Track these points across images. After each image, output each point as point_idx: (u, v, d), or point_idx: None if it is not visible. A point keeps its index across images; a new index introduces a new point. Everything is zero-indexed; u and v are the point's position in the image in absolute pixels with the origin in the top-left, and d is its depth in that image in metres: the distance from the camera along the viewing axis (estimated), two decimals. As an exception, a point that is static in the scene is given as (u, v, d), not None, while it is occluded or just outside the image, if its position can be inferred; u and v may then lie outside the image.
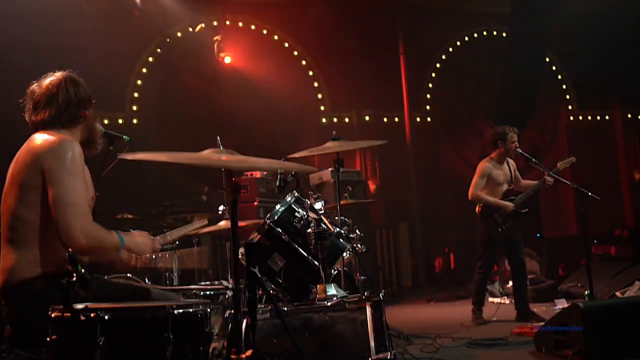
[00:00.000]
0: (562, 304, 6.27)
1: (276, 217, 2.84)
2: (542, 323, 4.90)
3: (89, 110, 2.66)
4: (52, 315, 1.89)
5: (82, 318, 1.84)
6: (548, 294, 6.90)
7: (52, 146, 2.43)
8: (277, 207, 2.90)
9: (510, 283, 6.76)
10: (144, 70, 9.85)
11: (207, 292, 2.91)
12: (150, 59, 9.88)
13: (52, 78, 2.62)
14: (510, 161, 6.00)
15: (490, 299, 7.10)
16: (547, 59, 11.46)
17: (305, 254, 2.76)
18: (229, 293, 2.31)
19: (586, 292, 5.37)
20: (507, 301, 6.89)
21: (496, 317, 5.86)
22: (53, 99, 2.56)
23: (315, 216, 2.73)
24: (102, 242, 2.43)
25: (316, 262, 2.72)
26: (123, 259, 2.64)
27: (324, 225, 2.70)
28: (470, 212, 6.07)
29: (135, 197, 6.87)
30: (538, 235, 8.42)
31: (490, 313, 5.94)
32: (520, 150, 5.75)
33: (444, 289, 8.80)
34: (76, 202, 2.34)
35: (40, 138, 2.48)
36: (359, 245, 4.75)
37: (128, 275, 4.76)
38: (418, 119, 11.35)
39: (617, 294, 5.90)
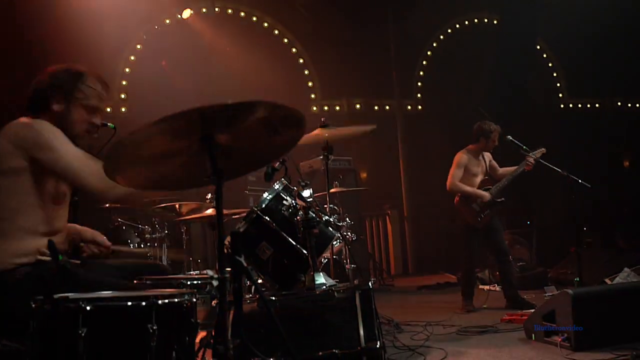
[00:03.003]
0: (551, 291, 6.28)
1: (264, 205, 2.80)
2: (532, 310, 4.92)
3: (60, 103, 2.53)
4: (33, 305, 1.84)
5: (63, 309, 1.79)
6: (538, 281, 6.92)
7: (26, 129, 2.38)
8: (265, 195, 2.86)
9: (500, 271, 6.79)
10: (132, 58, 9.75)
11: (194, 282, 2.86)
12: (138, 46, 9.77)
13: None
14: (486, 154, 6.09)
15: (481, 287, 7.12)
16: (538, 47, 11.44)
17: (294, 243, 2.73)
18: (214, 282, 2.26)
19: (575, 279, 5.39)
20: (497, 288, 6.91)
21: (486, 304, 5.87)
22: (34, 86, 2.54)
23: (303, 204, 2.70)
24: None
25: (304, 251, 2.69)
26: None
27: (312, 213, 2.67)
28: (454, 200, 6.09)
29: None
30: (528, 222, 8.44)
31: (481, 301, 5.95)
32: (511, 138, 5.79)
33: (435, 277, 8.82)
34: (79, 164, 2.39)
35: (13, 125, 2.43)
36: (349, 233, 4.73)
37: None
38: (409, 107, 11.33)
39: (607, 280, 5.92)
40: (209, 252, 6.54)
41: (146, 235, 5.51)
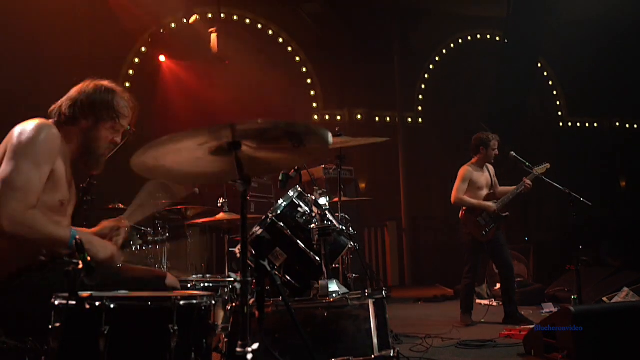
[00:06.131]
0: (549, 307, 6.33)
1: (279, 212, 2.82)
2: (531, 326, 4.94)
3: (90, 120, 2.54)
4: (56, 303, 1.85)
5: (87, 306, 1.80)
6: (535, 298, 6.96)
7: (24, 126, 2.36)
8: (280, 201, 2.89)
9: (498, 285, 6.81)
10: (136, 60, 9.78)
11: (207, 285, 2.88)
12: (143, 49, 9.80)
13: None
14: (490, 167, 6.10)
15: (478, 301, 7.14)
16: (539, 65, 11.56)
17: (307, 249, 2.75)
18: (238, 286, 2.27)
19: (573, 297, 5.42)
20: (495, 303, 6.94)
21: (484, 319, 5.89)
22: (66, 99, 2.56)
23: (319, 212, 2.72)
24: (34, 233, 2.24)
25: (317, 258, 2.71)
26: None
27: (327, 222, 2.69)
28: (459, 213, 6.11)
29: (128, 187, 6.77)
30: (526, 238, 8.48)
31: (479, 315, 5.97)
32: (515, 154, 5.81)
33: (431, 289, 8.83)
34: (16, 186, 2.21)
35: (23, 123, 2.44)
36: (352, 243, 4.74)
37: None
38: (409, 120, 11.39)
39: (604, 299, 5.95)
40: (209, 256, 6.54)
41: (148, 238, 5.51)
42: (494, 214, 5.77)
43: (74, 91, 2.56)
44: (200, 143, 1.82)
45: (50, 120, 2.53)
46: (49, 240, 2.30)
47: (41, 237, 2.26)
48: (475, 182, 5.91)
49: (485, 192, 5.95)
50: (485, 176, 6.00)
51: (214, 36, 8.47)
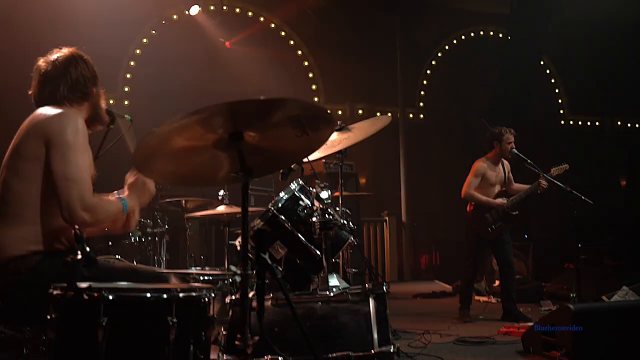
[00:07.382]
0: (547, 305, 6.32)
1: (280, 205, 2.80)
2: (530, 323, 4.94)
3: (95, 87, 2.62)
4: (54, 293, 1.84)
5: (85, 297, 1.78)
6: (534, 295, 6.95)
7: (55, 118, 2.38)
8: (281, 194, 2.87)
9: (497, 282, 6.81)
10: (138, 51, 9.75)
11: (205, 277, 2.87)
12: (145, 40, 9.77)
13: (59, 54, 2.57)
14: (506, 163, 6.01)
15: (476, 297, 7.14)
16: (542, 62, 11.53)
17: (308, 243, 2.73)
18: (238, 279, 2.25)
19: (572, 295, 5.42)
20: (494, 300, 6.94)
21: (483, 315, 5.88)
22: (62, 75, 2.52)
23: (321, 205, 2.70)
24: (106, 214, 2.42)
25: (318, 252, 2.70)
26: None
27: (329, 215, 2.67)
28: (458, 210, 6.08)
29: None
30: (525, 236, 8.47)
31: (477, 311, 5.97)
32: (516, 151, 5.77)
33: (430, 285, 8.84)
34: (79, 178, 2.32)
35: (44, 110, 2.44)
36: (352, 237, 4.74)
37: (117, 256, 4.69)
38: (411, 115, 11.37)
39: (604, 298, 5.94)
40: (207, 249, 6.53)
41: (147, 229, 5.48)
42: (503, 212, 5.73)
43: (61, 70, 2.54)
44: (201, 133, 1.80)
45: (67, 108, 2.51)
46: (113, 215, 2.47)
47: (107, 215, 2.42)
48: (488, 178, 5.84)
49: (497, 188, 5.88)
50: (499, 172, 5.91)
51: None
